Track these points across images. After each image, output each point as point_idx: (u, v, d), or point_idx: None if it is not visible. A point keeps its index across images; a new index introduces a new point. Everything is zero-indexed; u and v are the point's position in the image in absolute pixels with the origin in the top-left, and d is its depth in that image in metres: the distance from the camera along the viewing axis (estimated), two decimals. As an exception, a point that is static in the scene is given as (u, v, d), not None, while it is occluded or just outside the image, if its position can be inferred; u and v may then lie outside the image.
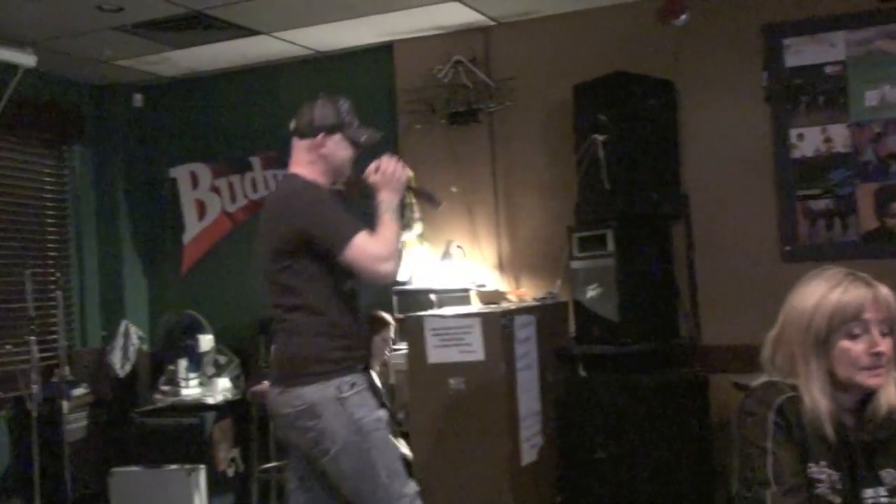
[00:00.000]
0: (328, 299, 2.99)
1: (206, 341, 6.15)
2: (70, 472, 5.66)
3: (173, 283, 6.85)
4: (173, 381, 6.07)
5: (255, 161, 6.61)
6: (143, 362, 6.45)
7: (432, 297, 5.61)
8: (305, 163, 3.15)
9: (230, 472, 5.89)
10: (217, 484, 5.70)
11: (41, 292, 6.04)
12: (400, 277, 5.79)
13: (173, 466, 5.57)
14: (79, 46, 5.87)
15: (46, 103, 6.39)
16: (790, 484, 2.05)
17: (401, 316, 5.54)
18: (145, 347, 6.52)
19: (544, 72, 5.73)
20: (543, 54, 5.76)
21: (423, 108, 5.95)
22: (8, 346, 5.71)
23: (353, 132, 3.17)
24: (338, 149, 3.15)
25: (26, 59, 5.71)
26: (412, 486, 3.05)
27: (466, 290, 5.61)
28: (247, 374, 6.24)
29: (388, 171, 3.11)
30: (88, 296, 6.70)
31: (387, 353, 5.20)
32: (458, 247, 5.81)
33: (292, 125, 3.27)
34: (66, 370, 5.92)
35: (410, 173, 3.23)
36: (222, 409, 5.89)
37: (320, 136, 3.12)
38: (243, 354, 6.33)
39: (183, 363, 6.08)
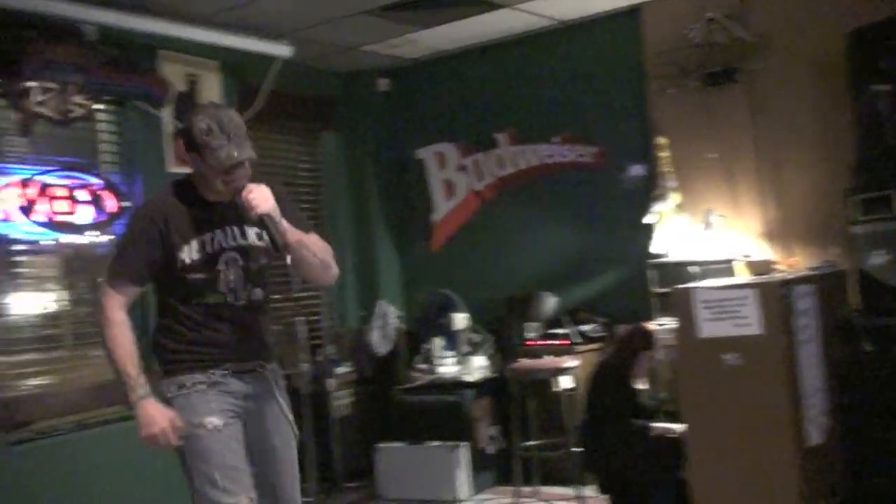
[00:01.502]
0: (175, 308, 2.89)
1: (461, 320, 6.17)
2: (338, 447, 5.84)
3: (425, 262, 6.93)
4: (430, 360, 6.14)
5: (501, 138, 6.55)
6: (401, 341, 6.58)
7: (693, 269, 5.32)
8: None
9: (491, 450, 5.88)
10: (478, 460, 5.72)
11: (303, 275, 6.26)
12: (656, 250, 5.60)
13: (436, 443, 5.63)
14: (329, 34, 6.02)
15: (301, 93, 6.62)
16: None
17: (661, 290, 5.32)
18: (402, 326, 6.63)
19: (809, 22, 5.27)
20: (808, 3, 5.30)
21: (675, 72, 5.64)
22: (277, 328, 5.96)
23: (208, 153, 2.78)
24: (197, 165, 2.87)
25: (283, 51, 5.92)
26: (228, 497, 2.79)
27: (730, 262, 5.27)
28: (502, 352, 6.20)
29: (247, 195, 2.82)
30: (346, 277, 6.90)
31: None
32: (720, 216, 5.48)
33: None
34: (331, 349, 6.12)
35: (268, 207, 2.82)
36: (480, 386, 5.89)
37: (187, 153, 2.88)
38: (497, 332, 6.29)
39: (439, 342, 6.13)
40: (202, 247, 2.88)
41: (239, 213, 2.90)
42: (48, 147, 5.00)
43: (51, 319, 4.97)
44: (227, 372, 2.91)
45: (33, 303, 4.94)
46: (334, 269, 3.14)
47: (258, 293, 2.99)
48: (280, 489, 2.99)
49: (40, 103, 4.80)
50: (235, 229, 2.94)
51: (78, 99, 4.98)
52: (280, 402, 3.04)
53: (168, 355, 2.91)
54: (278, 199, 2.91)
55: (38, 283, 4.97)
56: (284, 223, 2.87)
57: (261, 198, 2.81)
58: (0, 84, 4.68)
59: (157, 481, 4.58)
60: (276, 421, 3.01)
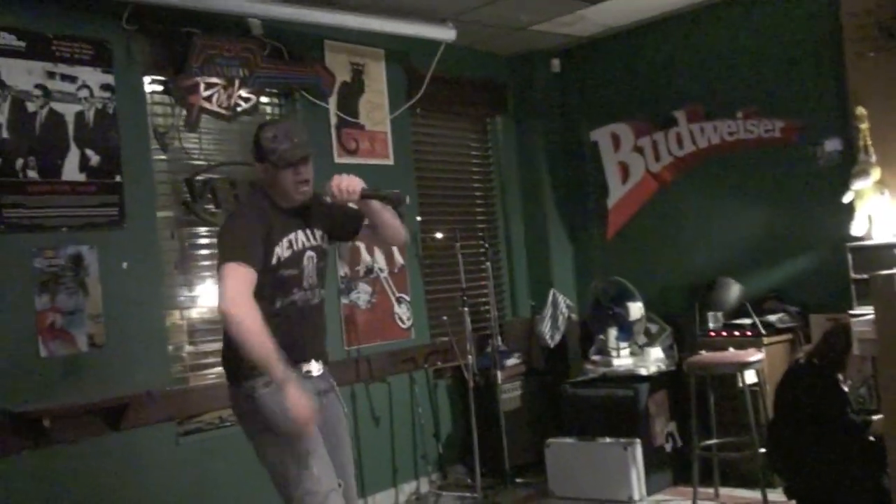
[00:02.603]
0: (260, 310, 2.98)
1: (636, 309, 5.82)
2: (506, 441, 5.67)
3: (599, 249, 6.64)
4: (604, 351, 5.84)
5: (680, 115, 6.15)
6: (573, 332, 6.32)
7: (897, 252, 4.81)
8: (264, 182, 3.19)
9: (668, 448, 5.53)
10: (654, 459, 5.38)
11: (472, 264, 6.13)
12: (855, 232, 5.10)
13: (608, 439, 5.35)
14: (494, 15, 5.82)
15: (469, 78, 6.48)
16: None
17: (860, 276, 4.81)
18: (574, 316, 6.37)
19: None
20: None
21: (877, 33, 5.07)
22: (444, 318, 5.85)
23: (276, 158, 3.03)
24: (272, 174, 3.09)
25: (446, 34, 5.79)
26: (325, 483, 2.95)
27: (941, 244, 4.70)
28: (680, 343, 5.82)
29: (339, 187, 3.09)
30: (517, 265, 6.72)
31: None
32: (929, 191, 4.90)
33: None
34: (499, 340, 5.95)
35: (361, 185, 3.12)
36: (656, 380, 5.54)
37: (257, 165, 3.14)
38: (675, 323, 5.92)
39: (613, 332, 5.82)
40: (290, 245, 3.11)
41: (308, 217, 3.19)
42: (214, 141, 5.09)
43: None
44: (304, 372, 3.11)
45: (211, 295, 5.03)
46: (403, 232, 3.36)
47: (323, 293, 3.24)
48: (346, 476, 3.17)
49: (206, 98, 4.88)
50: (308, 231, 3.19)
51: (243, 93, 5.04)
52: (340, 398, 3.28)
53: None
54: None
55: (211, 277, 5.04)
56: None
57: (351, 182, 3.09)
58: (166, 80, 4.80)
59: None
60: (339, 414, 3.25)
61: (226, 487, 4.68)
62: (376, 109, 5.86)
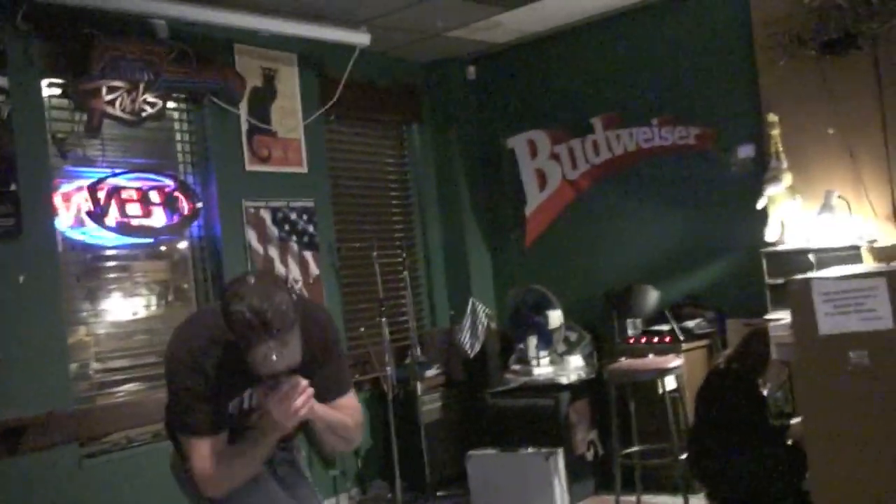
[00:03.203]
0: None
1: (556, 317, 5.79)
2: (427, 454, 5.57)
3: (517, 257, 6.59)
4: (524, 360, 5.79)
5: (597, 122, 6.15)
6: (493, 341, 6.25)
7: (810, 257, 4.89)
8: None
9: (589, 456, 5.51)
10: (576, 468, 5.35)
11: (390, 273, 6.01)
12: (769, 238, 5.15)
13: (530, 450, 5.29)
14: (410, 19, 5.73)
15: (384, 84, 6.37)
16: None
17: (775, 281, 4.86)
18: (493, 325, 6.31)
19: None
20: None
21: (788, 40, 5.14)
22: (362, 329, 5.72)
23: (245, 347, 2.36)
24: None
25: (360, 38, 5.67)
26: None
27: (855, 248, 4.79)
28: (600, 351, 5.81)
29: (282, 403, 2.43)
30: (435, 274, 6.63)
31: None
32: (840, 197, 4.97)
33: None
34: (418, 351, 5.85)
35: (302, 413, 2.46)
36: (577, 388, 5.52)
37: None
38: (595, 330, 5.91)
39: (533, 341, 5.77)
40: (240, 404, 2.64)
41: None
42: (118, 148, 4.88)
43: (140, 325, 4.91)
44: None
45: (119, 309, 4.84)
46: (355, 442, 2.83)
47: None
48: None
49: (109, 103, 4.66)
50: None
51: (149, 97, 4.83)
52: (300, 466, 2.93)
53: None
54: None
55: (118, 290, 4.86)
56: (317, 407, 2.54)
57: (300, 410, 2.46)
58: (66, 83, 4.56)
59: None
60: (297, 478, 2.89)
61: (133, 510, 4.46)
62: (289, 116, 5.70)
